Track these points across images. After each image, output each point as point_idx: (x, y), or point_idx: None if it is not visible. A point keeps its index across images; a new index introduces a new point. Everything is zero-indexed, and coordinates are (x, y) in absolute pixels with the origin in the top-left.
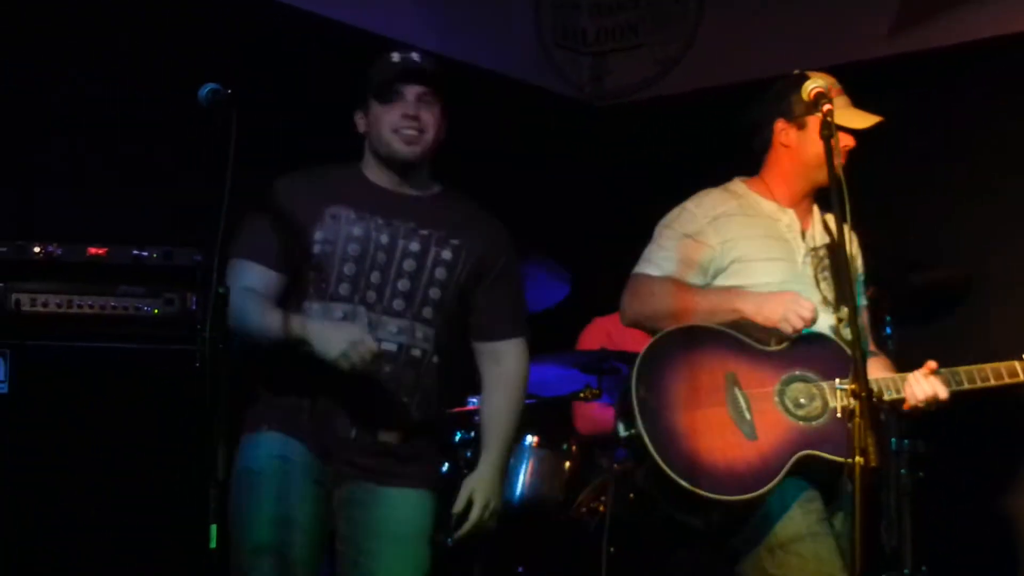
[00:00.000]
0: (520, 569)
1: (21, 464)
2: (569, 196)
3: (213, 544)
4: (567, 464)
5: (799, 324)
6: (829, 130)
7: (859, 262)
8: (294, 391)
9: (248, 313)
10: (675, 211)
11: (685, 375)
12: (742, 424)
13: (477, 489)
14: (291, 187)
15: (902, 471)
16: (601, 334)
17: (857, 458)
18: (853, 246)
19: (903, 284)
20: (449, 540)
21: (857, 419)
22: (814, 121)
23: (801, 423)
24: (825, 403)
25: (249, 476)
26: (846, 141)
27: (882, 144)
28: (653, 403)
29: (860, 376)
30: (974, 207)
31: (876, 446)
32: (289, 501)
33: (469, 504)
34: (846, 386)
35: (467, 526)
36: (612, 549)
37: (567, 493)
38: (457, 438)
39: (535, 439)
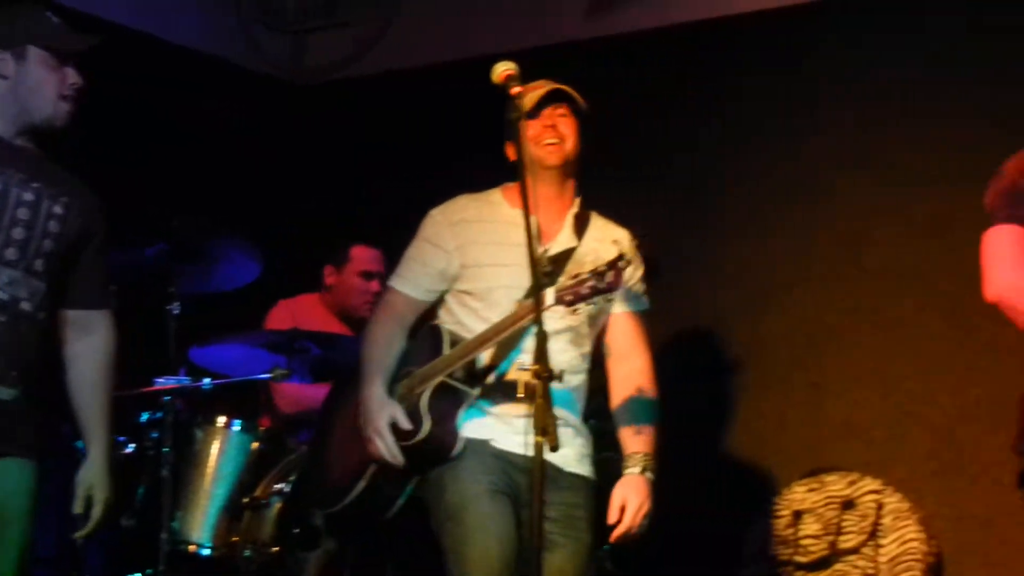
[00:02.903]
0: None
1: None
2: (266, 176)
3: None
4: (255, 445)
5: (376, 454)
6: (518, 111)
7: (634, 266)
8: None
9: None
10: (427, 215)
11: (343, 408)
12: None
13: (96, 485)
14: None
15: None
16: (286, 316)
17: (537, 437)
18: (624, 247)
19: None
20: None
21: (539, 399)
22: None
23: None
24: (410, 391)
25: None
26: (546, 121)
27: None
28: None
29: (541, 357)
30: (664, 192)
31: (555, 427)
32: None
33: (90, 502)
34: (528, 367)
35: (91, 525)
36: (297, 530)
37: (255, 474)
38: (144, 419)
39: (224, 419)
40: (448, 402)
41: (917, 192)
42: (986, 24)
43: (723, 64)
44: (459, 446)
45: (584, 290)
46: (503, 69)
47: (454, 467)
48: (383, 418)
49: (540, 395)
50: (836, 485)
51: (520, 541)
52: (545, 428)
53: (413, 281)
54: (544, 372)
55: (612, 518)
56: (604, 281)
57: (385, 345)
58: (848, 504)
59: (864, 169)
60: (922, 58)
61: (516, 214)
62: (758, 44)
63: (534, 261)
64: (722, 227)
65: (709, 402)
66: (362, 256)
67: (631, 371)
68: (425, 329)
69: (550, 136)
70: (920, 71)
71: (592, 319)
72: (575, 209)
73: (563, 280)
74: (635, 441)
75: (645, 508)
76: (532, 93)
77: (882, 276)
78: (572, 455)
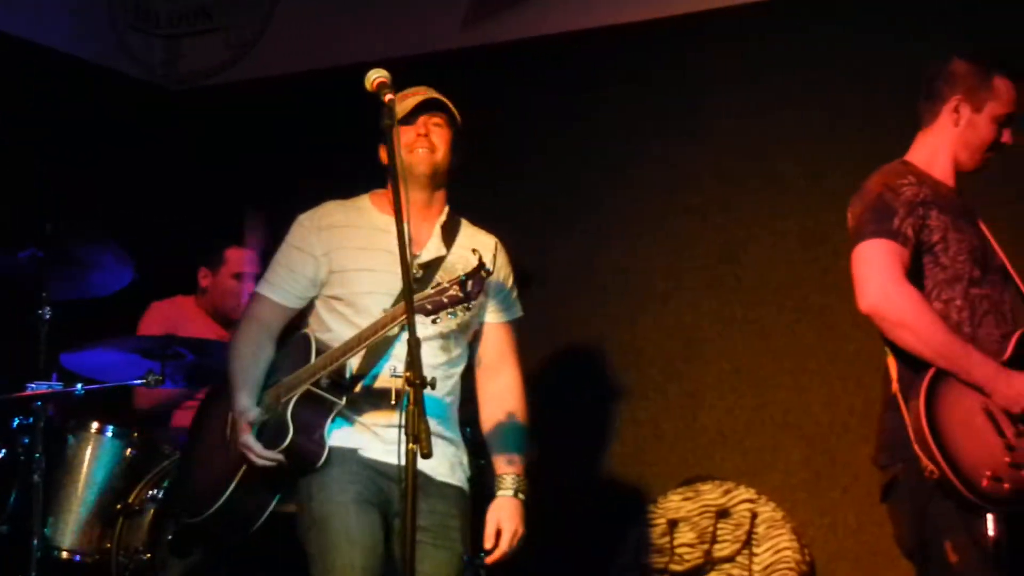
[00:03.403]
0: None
1: None
2: (140, 180)
3: None
4: (128, 451)
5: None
6: (391, 119)
7: (504, 274)
8: None
9: None
10: (295, 221)
11: (215, 417)
12: (231, 450)
13: None
14: None
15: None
16: (160, 319)
17: (411, 445)
18: (491, 256)
19: None
20: None
21: (411, 407)
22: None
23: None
24: (276, 401)
25: None
26: (417, 130)
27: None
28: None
29: (415, 364)
30: (542, 200)
31: (428, 434)
32: None
33: None
34: (402, 374)
35: None
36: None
37: (128, 480)
38: (15, 424)
39: (97, 425)
40: (315, 411)
41: (791, 205)
42: (864, 39)
43: (603, 73)
44: (324, 455)
45: (444, 299)
46: (376, 76)
47: (320, 476)
48: (251, 429)
49: (413, 402)
50: (711, 494)
51: (390, 551)
52: (417, 436)
53: (281, 287)
54: (417, 379)
55: (488, 543)
56: (464, 291)
57: (251, 355)
58: (723, 513)
59: (740, 181)
60: (802, 72)
61: (386, 220)
62: (640, 54)
63: (406, 267)
64: (599, 236)
65: (585, 410)
66: (236, 258)
67: (501, 388)
68: (296, 338)
69: (422, 144)
70: (799, 85)
71: (463, 326)
72: (443, 217)
73: (426, 290)
74: (507, 466)
75: (520, 532)
76: (408, 100)
77: (757, 287)
78: (443, 464)
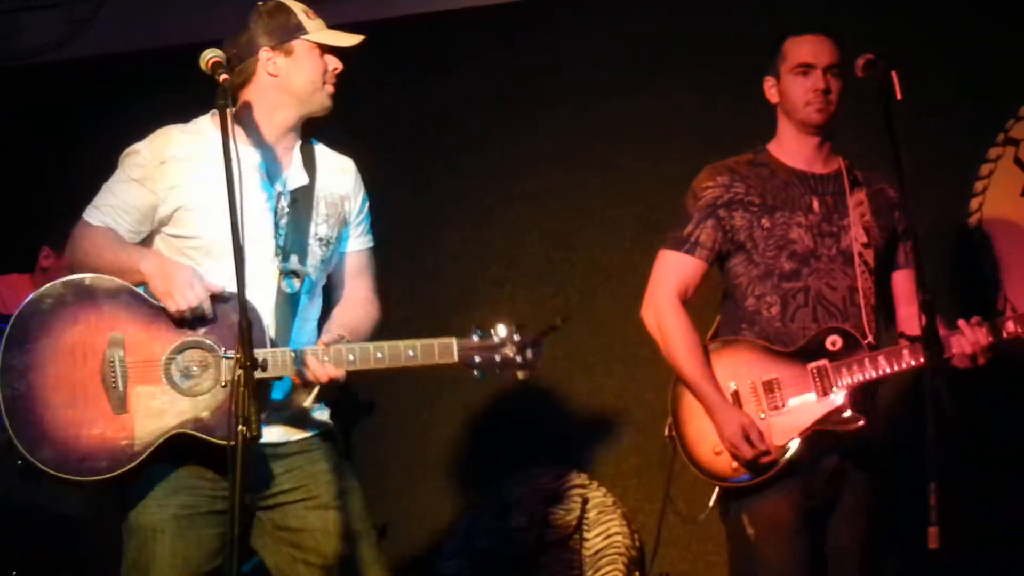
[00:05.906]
0: None
1: None
2: None
3: None
4: None
5: (183, 306)
6: (226, 99)
7: (362, 198)
8: None
9: None
10: (130, 150)
11: (63, 336)
12: (112, 395)
13: None
14: None
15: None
16: None
17: (240, 427)
18: (349, 183)
19: None
20: None
21: (241, 388)
22: (302, 47)
23: (183, 397)
24: (218, 376)
25: None
26: (335, 64)
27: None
28: (21, 365)
29: (245, 345)
30: (376, 183)
31: (258, 416)
32: None
33: None
34: (231, 355)
35: None
36: None
37: None
38: None
39: None
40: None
41: (625, 192)
42: (702, 26)
43: (437, 58)
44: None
45: (496, 358)
46: (210, 56)
47: (143, 482)
48: (183, 273)
49: (242, 384)
50: (543, 479)
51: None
52: (247, 417)
53: (112, 220)
54: (247, 360)
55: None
56: (524, 356)
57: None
58: (554, 498)
59: (576, 169)
60: (637, 59)
61: (243, 149)
62: (474, 39)
63: (239, 257)
64: (435, 219)
65: (417, 396)
66: None
67: (351, 291)
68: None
69: (333, 84)
70: (634, 71)
71: (326, 264)
72: (299, 141)
73: (473, 338)
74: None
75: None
76: (340, 34)
77: (591, 274)
78: (290, 424)
